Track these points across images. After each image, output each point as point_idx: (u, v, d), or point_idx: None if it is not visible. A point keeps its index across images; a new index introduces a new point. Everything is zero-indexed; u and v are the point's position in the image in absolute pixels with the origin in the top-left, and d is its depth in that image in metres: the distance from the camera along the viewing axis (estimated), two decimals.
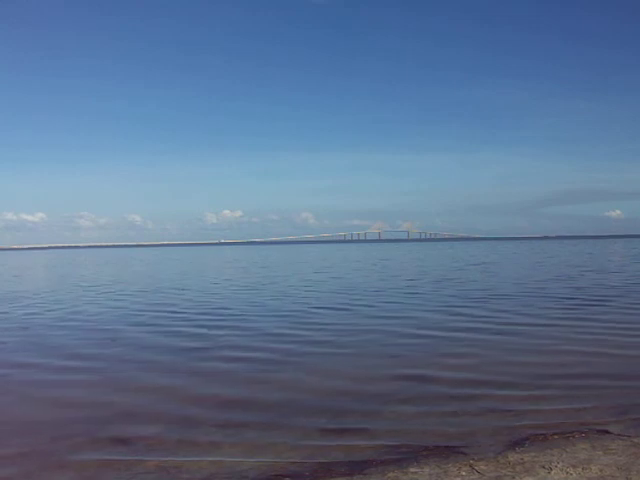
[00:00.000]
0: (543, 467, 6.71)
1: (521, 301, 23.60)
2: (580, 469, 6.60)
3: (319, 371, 12.40)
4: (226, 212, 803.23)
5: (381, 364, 12.98)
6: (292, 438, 8.25)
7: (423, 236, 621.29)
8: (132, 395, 10.82)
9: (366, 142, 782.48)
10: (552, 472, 6.55)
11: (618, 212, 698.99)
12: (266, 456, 7.60)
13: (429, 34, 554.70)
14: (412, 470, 6.88)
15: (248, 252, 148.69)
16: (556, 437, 7.95)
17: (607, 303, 22.05)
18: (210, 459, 7.53)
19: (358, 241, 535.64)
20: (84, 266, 77.40)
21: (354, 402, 10.06)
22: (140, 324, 19.78)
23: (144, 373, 12.58)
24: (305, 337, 16.44)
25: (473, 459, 7.17)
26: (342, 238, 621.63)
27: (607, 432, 8.07)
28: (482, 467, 6.84)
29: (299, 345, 15.24)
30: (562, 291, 27.13)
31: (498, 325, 17.69)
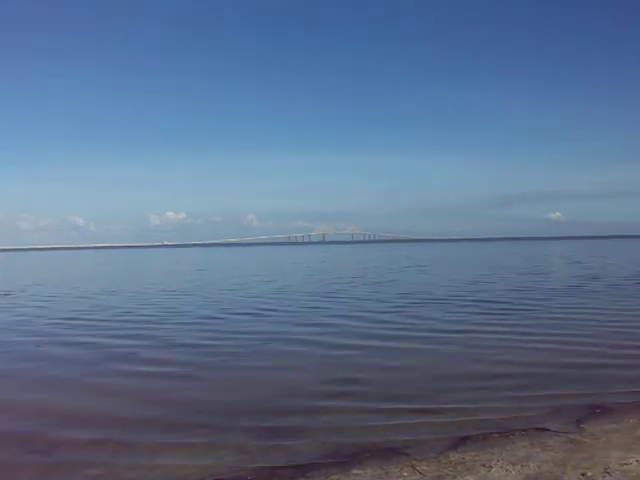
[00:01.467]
0: (483, 465, 6.86)
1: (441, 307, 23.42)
2: (519, 466, 6.78)
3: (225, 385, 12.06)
4: (170, 214, 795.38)
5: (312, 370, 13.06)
6: (232, 442, 8.25)
7: (367, 238, 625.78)
8: None
9: (313, 143, 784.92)
10: (492, 470, 6.71)
11: (558, 214, 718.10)
12: (206, 460, 7.57)
13: (381, 34, 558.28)
14: (354, 472, 6.95)
15: (190, 254, 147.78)
16: (496, 436, 8.13)
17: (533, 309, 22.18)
18: (150, 463, 7.47)
19: (302, 243, 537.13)
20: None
21: (291, 406, 10.10)
22: (29, 333, 19.00)
23: None
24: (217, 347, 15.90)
25: (415, 459, 7.28)
26: (286, 240, 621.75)
27: (545, 429, 8.29)
28: (424, 467, 6.95)
29: (207, 356, 14.60)
30: (483, 295, 27.32)
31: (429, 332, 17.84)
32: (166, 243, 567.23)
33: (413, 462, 7.18)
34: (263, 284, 38.86)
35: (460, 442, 7.94)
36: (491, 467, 6.80)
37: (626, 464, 6.62)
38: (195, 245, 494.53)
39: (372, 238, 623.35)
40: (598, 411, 9.14)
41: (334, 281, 39.72)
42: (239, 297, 29.64)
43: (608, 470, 6.47)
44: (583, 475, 6.38)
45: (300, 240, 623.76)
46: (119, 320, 21.46)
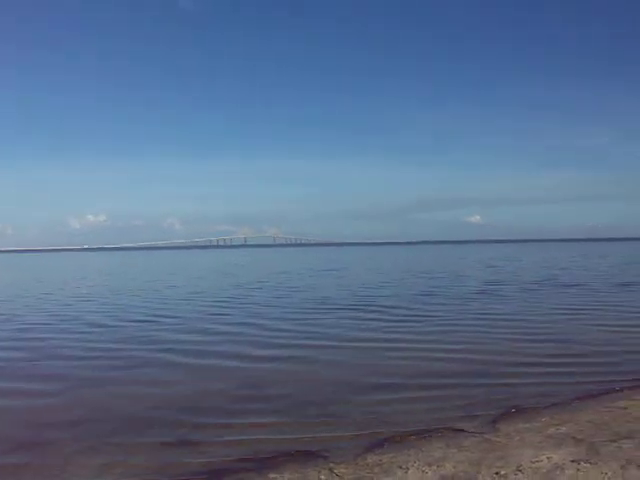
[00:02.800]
0: (400, 467, 6.95)
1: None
2: (435, 467, 6.89)
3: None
4: (90, 217, 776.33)
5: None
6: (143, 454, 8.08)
7: (290, 241, 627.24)
8: None
9: (236, 147, 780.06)
10: (409, 472, 6.80)
11: (477, 218, 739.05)
12: (116, 474, 7.37)
13: (311, 37, 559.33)
14: (272, 476, 6.93)
15: (108, 258, 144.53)
16: (413, 438, 8.26)
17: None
18: None
19: (224, 247, 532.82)
20: None
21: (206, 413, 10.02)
22: None
23: None
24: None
25: (333, 462, 7.32)
26: (208, 244, 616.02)
27: (461, 430, 8.48)
28: (342, 470, 6.99)
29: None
30: (393, 301, 27.45)
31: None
32: (85, 247, 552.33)
33: (331, 465, 7.22)
34: (168, 289, 37.97)
35: (377, 444, 8.02)
36: (408, 468, 6.89)
37: (538, 461, 6.83)
38: (115, 249, 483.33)
39: (295, 241, 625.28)
40: (513, 411, 9.42)
41: (242, 285, 39.51)
42: (139, 303, 28.74)
43: (520, 468, 6.66)
44: (497, 474, 6.55)
45: (222, 244, 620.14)
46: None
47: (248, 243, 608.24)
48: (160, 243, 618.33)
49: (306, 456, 7.66)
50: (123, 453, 8.04)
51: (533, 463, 6.80)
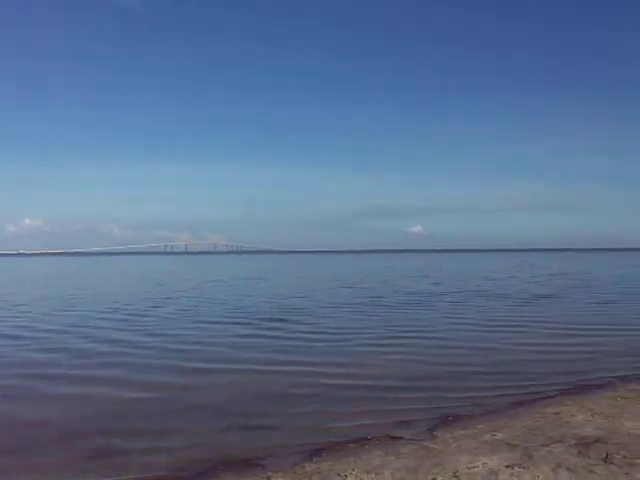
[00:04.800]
0: (338, 475, 7.07)
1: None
2: (373, 475, 7.04)
3: None
4: (27, 221, 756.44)
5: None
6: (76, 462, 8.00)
7: (231, 249, 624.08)
8: None
9: (177, 151, 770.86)
10: (347, 479, 6.92)
11: (419, 227, 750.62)
12: None
13: (252, 35, 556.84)
14: None
15: (42, 263, 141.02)
16: (352, 446, 8.40)
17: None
18: None
19: (164, 253, 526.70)
20: None
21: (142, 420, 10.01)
22: None
23: None
24: None
25: (271, 471, 7.40)
26: (148, 249, 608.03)
27: (400, 438, 8.67)
28: (279, 479, 7.08)
29: None
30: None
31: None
32: (21, 251, 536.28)
33: (269, 474, 7.30)
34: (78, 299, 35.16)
35: (316, 452, 8.13)
36: (346, 476, 7.01)
37: (473, 467, 7.06)
38: (52, 254, 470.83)
39: (236, 249, 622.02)
40: (450, 419, 9.67)
41: (151, 296, 36.85)
42: (34, 314, 26.89)
43: (457, 474, 6.86)
44: None
45: (162, 250, 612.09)
46: None
47: (189, 250, 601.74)
48: (99, 249, 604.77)
49: (244, 465, 7.71)
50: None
51: (469, 469, 7.02)
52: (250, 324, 22.43)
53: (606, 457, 7.25)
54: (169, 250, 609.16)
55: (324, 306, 28.96)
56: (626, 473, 6.71)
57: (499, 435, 8.49)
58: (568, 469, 6.85)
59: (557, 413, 9.66)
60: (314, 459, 7.85)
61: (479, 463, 7.19)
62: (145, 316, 25.59)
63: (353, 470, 7.22)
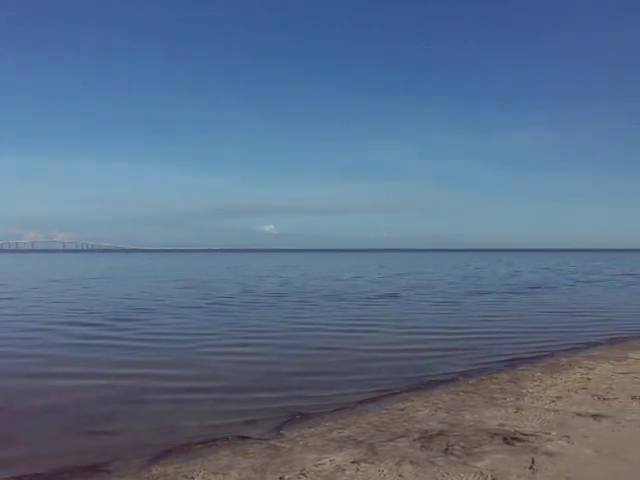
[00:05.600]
0: (185, 477, 7.00)
1: None
2: (221, 475, 7.02)
3: None
4: None
5: None
6: None
7: (81, 247, 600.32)
8: None
9: (23, 145, 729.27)
10: None
11: (271, 227, 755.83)
12: None
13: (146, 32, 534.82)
14: None
15: None
16: (199, 446, 8.36)
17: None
18: None
19: (9, 251, 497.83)
20: None
21: None
22: None
23: None
24: None
25: (117, 476, 7.24)
26: None
27: (247, 437, 8.71)
28: None
29: None
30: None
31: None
32: None
33: (114, 479, 7.11)
34: None
35: (163, 455, 8.01)
36: (193, 477, 6.96)
37: (320, 464, 7.20)
38: None
39: (86, 247, 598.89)
40: (297, 417, 9.81)
41: None
42: None
43: (304, 472, 6.98)
44: (281, 479, 6.80)
45: (7, 247, 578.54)
46: None
47: (36, 248, 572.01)
48: None
49: (89, 471, 7.46)
50: None
51: (316, 466, 7.15)
52: (95, 325, 21.64)
53: (447, 449, 7.64)
54: (14, 248, 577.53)
55: (173, 306, 28.46)
56: (464, 462, 7.10)
57: (346, 432, 8.71)
58: (411, 462, 7.14)
59: (402, 409, 10.05)
60: (160, 462, 7.73)
61: (326, 460, 7.35)
62: None
63: (200, 471, 7.17)
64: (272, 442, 8.36)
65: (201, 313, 25.53)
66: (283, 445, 8.19)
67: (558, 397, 10.54)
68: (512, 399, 10.49)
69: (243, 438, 8.67)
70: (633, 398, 10.32)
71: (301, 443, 8.23)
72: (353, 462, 7.24)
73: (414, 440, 8.10)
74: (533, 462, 7.03)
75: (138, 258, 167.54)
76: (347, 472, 6.93)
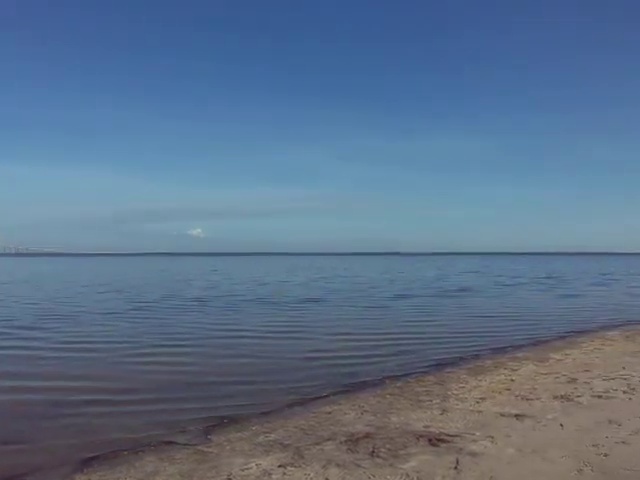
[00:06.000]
0: None
1: None
2: None
3: None
4: None
5: None
6: None
7: (6, 250, 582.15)
8: None
9: None
10: None
11: (199, 230, 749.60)
12: None
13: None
14: None
15: None
16: (125, 453, 8.28)
17: None
18: None
19: None
20: None
21: None
22: None
23: None
24: None
25: None
26: None
27: (174, 443, 8.66)
28: None
29: None
30: None
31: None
32: None
33: None
34: None
35: (87, 462, 7.91)
36: None
37: (247, 469, 7.24)
38: None
39: (10, 251, 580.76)
40: (225, 422, 9.80)
41: None
42: None
43: (231, 477, 7.01)
44: None
45: None
46: None
47: None
48: None
49: None
50: None
51: (243, 471, 7.17)
52: (7, 333, 20.75)
53: (373, 451, 7.76)
54: None
55: (95, 312, 27.72)
56: (390, 464, 7.25)
57: (273, 436, 8.75)
58: (338, 465, 7.24)
59: (329, 412, 10.15)
60: (85, 470, 7.63)
61: (253, 464, 7.38)
62: None
63: (125, 478, 7.14)
64: (199, 447, 8.35)
65: (124, 319, 24.97)
66: (210, 450, 8.18)
67: (482, 398, 10.83)
68: (438, 401, 10.73)
69: (170, 444, 8.63)
70: (554, 398, 10.70)
71: (228, 448, 8.24)
72: (280, 466, 7.29)
73: (341, 443, 8.20)
74: (458, 463, 7.22)
75: (64, 262, 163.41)
76: (274, 476, 6.97)
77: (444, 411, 9.94)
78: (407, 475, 6.87)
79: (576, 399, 10.56)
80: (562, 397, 10.72)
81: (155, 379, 13.38)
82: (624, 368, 13.43)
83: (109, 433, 9.27)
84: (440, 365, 14.78)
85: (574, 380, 12.25)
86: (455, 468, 7.06)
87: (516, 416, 9.47)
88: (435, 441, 8.14)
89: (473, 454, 7.58)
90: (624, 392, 11.03)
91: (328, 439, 8.43)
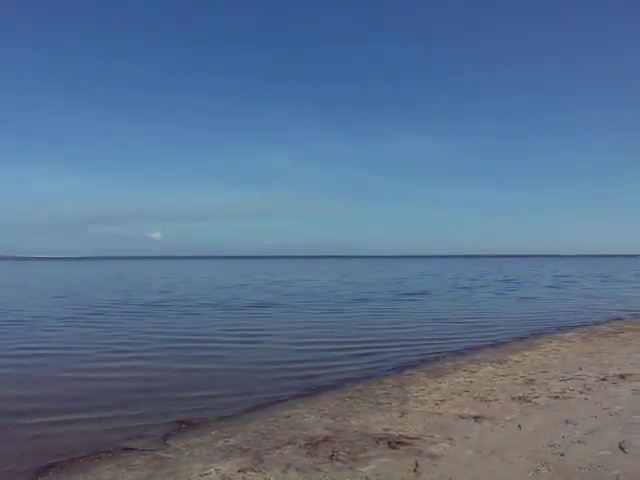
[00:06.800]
0: None
1: None
2: None
3: None
4: None
5: None
6: None
7: None
8: None
9: None
10: None
11: (158, 234, 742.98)
12: None
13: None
14: None
15: None
16: (82, 461, 8.23)
17: None
18: None
19: None
20: None
21: None
22: None
23: None
24: None
25: None
26: None
27: (132, 449, 8.63)
28: None
29: None
30: None
31: None
32: None
33: None
34: None
35: (44, 470, 7.85)
36: None
37: (206, 474, 7.26)
38: None
39: None
40: (183, 427, 9.78)
41: None
42: None
43: None
44: None
45: None
46: None
47: None
48: None
49: None
50: None
51: (202, 476, 7.19)
52: None
53: (332, 455, 7.83)
54: None
55: (47, 317, 27.31)
56: (350, 468, 7.33)
57: (232, 440, 8.76)
58: (297, 469, 7.29)
59: (289, 416, 10.19)
60: (40, 478, 7.53)
61: (212, 470, 7.39)
62: None
63: None
64: (157, 453, 8.34)
65: (75, 326, 24.49)
66: (169, 456, 8.16)
67: (442, 400, 10.98)
68: (397, 404, 10.84)
69: (128, 450, 8.60)
70: (512, 399, 10.89)
71: (187, 453, 8.23)
72: (239, 471, 7.31)
73: (300, 447, 8.25)
74: (417, 465, 7.32)
75: (14, 267, 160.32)
76: None
77: (403, 414, 10.06)
78: (367, 478, 6.96)
79: (534, 400, 10.78)
80: (520, 398, 10.94)
81: (111, 386, 13.27)
82: (580, 369, 13.73)
83: (64, 441, 9.18)
84: (400, 368, 14.92)
85: (532, 381, 12.49)
86: (414, 470, 7.16)
87: (475, 418, 9.62)
88: (394, 444, 8.24)
89: (432, 456, 7.69)
90: (580, 392, 11.29)
91: (287, 443, 8.47)
